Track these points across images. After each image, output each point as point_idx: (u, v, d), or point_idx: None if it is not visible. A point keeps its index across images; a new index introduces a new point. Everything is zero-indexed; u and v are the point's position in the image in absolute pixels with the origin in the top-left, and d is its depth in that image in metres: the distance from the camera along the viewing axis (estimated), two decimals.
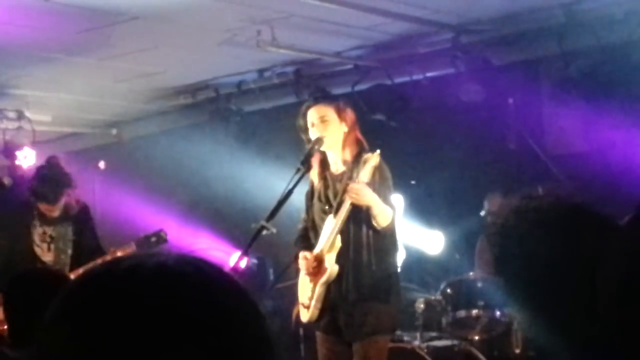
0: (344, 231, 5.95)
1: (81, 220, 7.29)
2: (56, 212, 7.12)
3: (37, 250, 7.15)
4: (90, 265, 6.05)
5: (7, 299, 4.32)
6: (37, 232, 7.17)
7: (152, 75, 9.43)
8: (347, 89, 9.07)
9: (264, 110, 10.36)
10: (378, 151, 5.93)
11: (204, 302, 1.26)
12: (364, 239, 5.94)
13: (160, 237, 7.09)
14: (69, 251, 7.17)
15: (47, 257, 7.14)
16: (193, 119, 10.76)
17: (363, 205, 5.83)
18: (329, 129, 6.04)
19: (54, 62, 8.61)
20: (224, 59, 9.00)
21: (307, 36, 8.32)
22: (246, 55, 8.77)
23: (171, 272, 1.28)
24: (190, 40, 8.23)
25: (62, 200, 7.09)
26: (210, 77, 9.89)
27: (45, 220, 7.15)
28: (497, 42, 8.50)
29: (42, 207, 7.10)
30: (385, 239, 5.98)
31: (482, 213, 8.42)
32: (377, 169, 5.93)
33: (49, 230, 7.17)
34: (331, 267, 5.94)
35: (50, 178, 7.03)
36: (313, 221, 6.27)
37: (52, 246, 7.17)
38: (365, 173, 5.82)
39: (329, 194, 6.16)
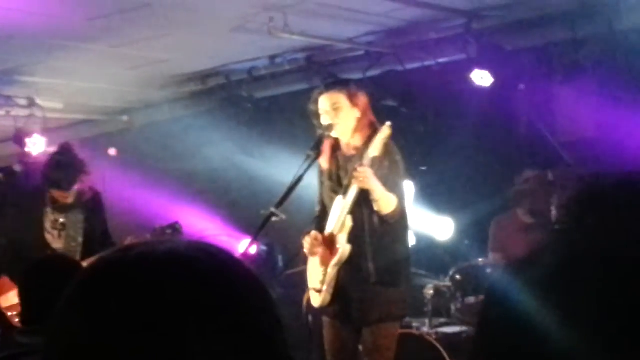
0: (356, 213, 5.95)
1: (93, 208, 7.30)
2: (69, 199, 7.14)
3: (48, 237, 7.16)
4: (102, 253, 6.07)
5: (22, 286, 4.34)
6: (49, 219, 7.18)
7: (164, 62, 9.43)
8: (358, 75, 9.06)
9: (276, 97, 10.36)
10: (388, 123, 5.92)
11: (216, 288, 1.27)
12: (377, 222, 5.94)
13: (175, 229, 7.12)
14: (80, 239, 7.18)
15: (58, 244, 7.16)
16: (204, 106, 10.76)
17: (367, 189, 5.84)
18: (340, 116, 6.04)
19: (65, 49, 8.62)
20: (235, 45, 9.00)
21: (319, 22, 8.31)
22: (258, 42, 8.77)
23: (182, 259, 1.29)
24: (202, 26, 8.23)
25: (76, 187, 7.11)
26: (221, 63, 9.89)
27: (58, 207, 7.16)
28: (508, 28, 8.48)
29: (56, 193, 7.11)
30: (395, 223, 5.98)
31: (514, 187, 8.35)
32: (388, 154, 5.93)
33: (61, 218, 7.19)
34: (343, 248, 5.94)
35: (64, 164, 7.04)
36: (322, 201, 6.28)
37: (63, 233, 7.18)
38: (375, 147, 5.82)
39: (341, 173, 6.17)
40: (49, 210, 7.18)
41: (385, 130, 5.88)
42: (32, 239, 7.12)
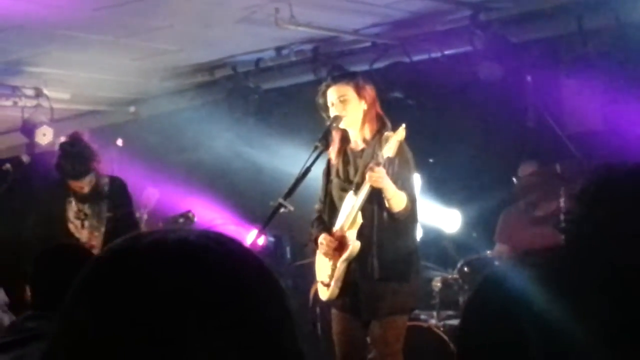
0: (366, 210, 5.95)
1: (116, 196, 7.28)
2: (85, 188, 7.12)
3: (71, 227, 7.16)
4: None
5: (32, 273, 4.36)
6: (72, 209, 7.18)
7: (170, 53, 9.43)
8: (365, 67, 9.04)
9: (282, 88, 10.35)
10: (403, 125, 5.93)
11: (226, 278, 1.26)
12: (386, 218, 5.95)
13: (188, 218, 7.13)
14: (103, 228, 7.17)
15: (81, 234, 7.16)
16: (211, 97, 10.76)
17: (380, 188, 5.84)
18: (347, 109, 6.05)
19: (72, 40, 8.60)
20: (242, 36, 8.98)
21: (325, 14, 8.29)
22: (264, 33, 8.75)
23: (193, 248, 1.28)
24: (208, 17, 8.21)
25: (90, 175, 7.09)
26: (228, 55, 9.88)
27: (80, 197, 7.16)
28: (515, 20, 8.45)
29: (72, 183, 7.11)
30: (405, 219, 5.99)
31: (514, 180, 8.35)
32: (400, 153, 5.92)
33: (84, 208, 7.18)
34: (353, 244, 5.95)
35: (74, 154, 7.04)
36: (331, 198, 6.27)
37: (86, 223, 7.17)
38: (389, 148, 5.81)
39: (349, 170, 6.17)
40: (72, 200, 7.18)
41: (400, 133, 5.89)
42: (57, 229, 7.11)
